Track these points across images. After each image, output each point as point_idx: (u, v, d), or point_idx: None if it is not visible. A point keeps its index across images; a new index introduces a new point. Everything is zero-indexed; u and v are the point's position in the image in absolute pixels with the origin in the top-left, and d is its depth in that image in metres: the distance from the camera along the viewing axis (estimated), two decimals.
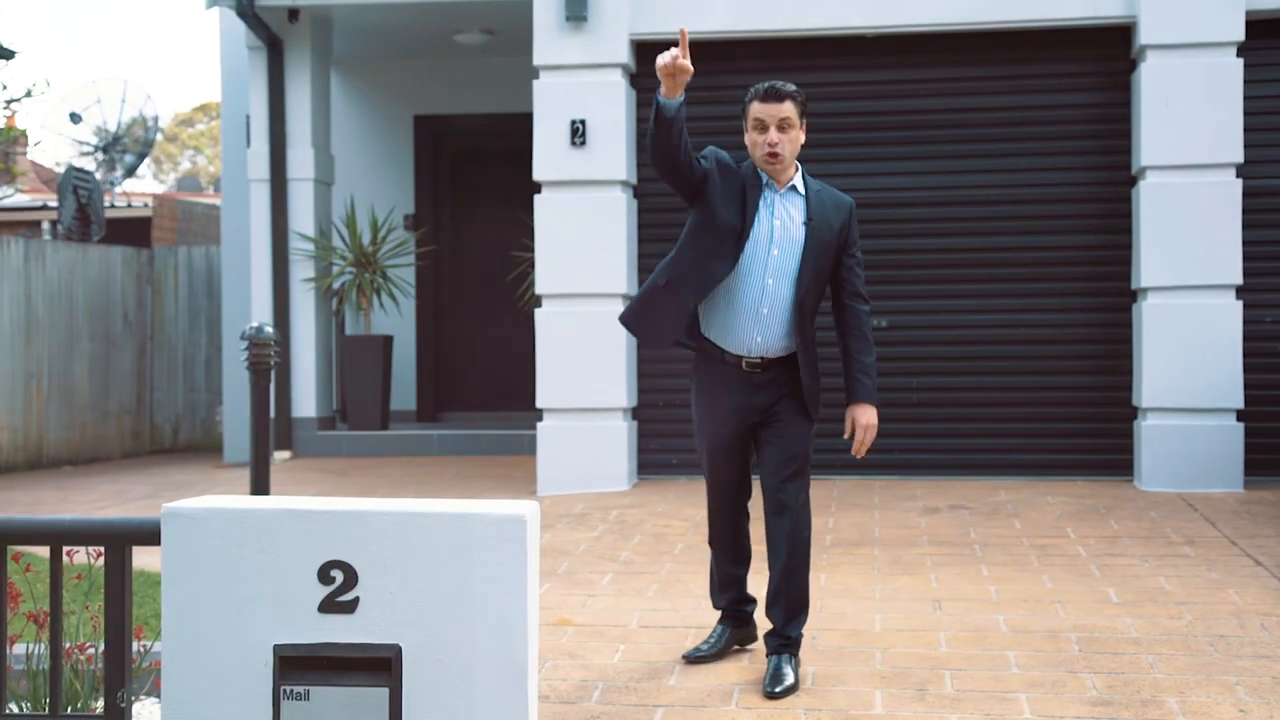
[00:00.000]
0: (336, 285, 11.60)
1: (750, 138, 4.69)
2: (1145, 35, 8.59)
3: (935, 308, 9.13)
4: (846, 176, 9.17)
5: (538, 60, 9.01)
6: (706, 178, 4.65)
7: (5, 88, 16.81)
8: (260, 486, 5.98)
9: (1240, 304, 8.54)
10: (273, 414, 11.09)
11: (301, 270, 11.23)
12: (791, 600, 4.77)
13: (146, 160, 39.04)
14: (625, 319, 4.85)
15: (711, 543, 5.04)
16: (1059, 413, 9.01)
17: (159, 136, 38.14)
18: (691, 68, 4.38)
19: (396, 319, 12.49)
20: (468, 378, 13.07)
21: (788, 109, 4.63)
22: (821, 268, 4.67)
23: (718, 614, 5.18)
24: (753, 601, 5.12)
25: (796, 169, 4.73)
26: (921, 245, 9.14)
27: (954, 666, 4.96)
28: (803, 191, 4.71)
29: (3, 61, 15.20)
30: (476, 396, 13.00)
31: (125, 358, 13.55)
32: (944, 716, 4.47)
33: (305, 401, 11.22)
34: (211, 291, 14.16)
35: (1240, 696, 4.60)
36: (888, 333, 9.05)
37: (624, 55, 8.94)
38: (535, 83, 9.05)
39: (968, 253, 9.12)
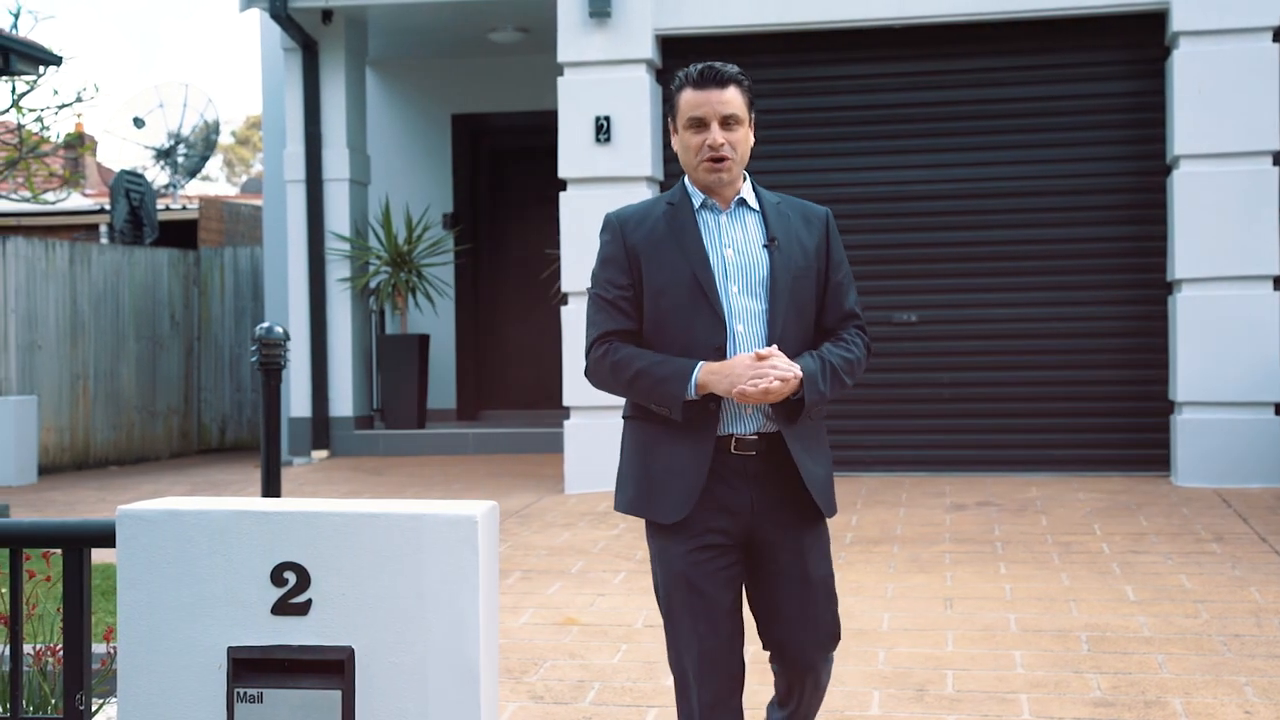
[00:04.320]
0: (373, 285, 11.64)
1: (682, 141, 3.41)
2: (1178, 22, 8.43)
3: (966, 301, 9.01)
4: (875, 170, 9.12)
5: (562, 57, 8.99)
6: (633, 286, 3.40)
7: (56, 93, 17.10)
8: (271, 487, 6.00)
9: (1278, 295, 8.35)
10: (310, 414, 11.17)
11: (338, 270, 11.28)
12: None
13: (218, 163, 39.58)
14: (625, 507, 3.46)
15: None
16: (1093, 407, 8.87)
17: (230, 139, 38.58)
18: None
19: (434, 318, 12.52)
20: (507, 376, 13.08)
21: (732, 98, 3.36)
22: (800, 299, 3.39)
23: None
24: None
25: (745, 179, 3.46)
26: (952, 239, 9.03)
27: (957, 666, 4.89)
28: (756, 206, 3.45)
29: (53, 68, 15.38)
30: (516, 395, 13.01)
31: (172, 358, 13.70)
32: (940, 717, 4.40)
33: (342, 401, 11.27)
34: (257, 292, 14.28)
35: (1248, 697, 4.49)
36: (917, 328, 8.96)
37: (648, 51, 8.90)
38: (559, 80, 9.03)
39: (999, 245, 9.00)
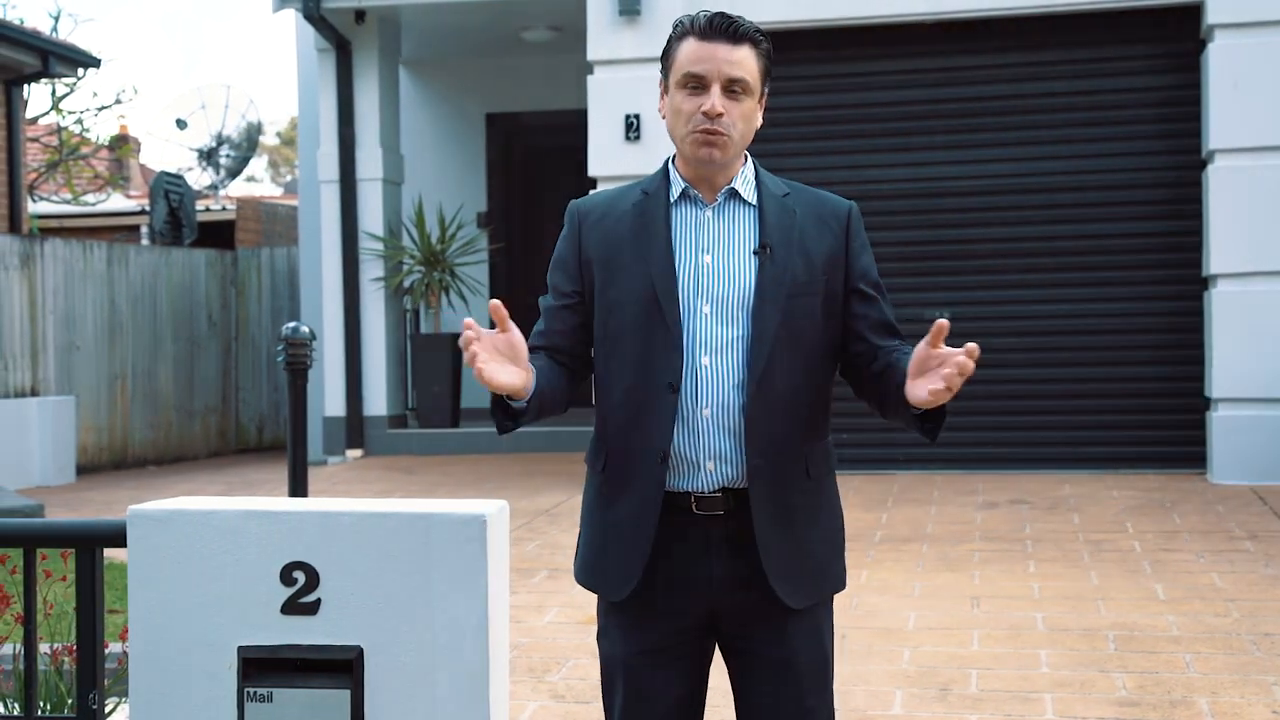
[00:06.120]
0: (406, 284, 11.68)
1: (674, 104, 2.65)
2: (1213, 14, 8.35)
3: (1000, 298, 8.95)
4: (907, 166, 9.07)
5: (591, 55, 8.99)
6: (580, 296, 2.74)
7: (96, 95, 17.28)
8: (298, 487, 6.03)
9: None
10: (344, 413, 11.21)
11: (371, 270, 11.32)
12: None
13: (263, 164, 39.87)
14: (577, 573, 2.85)
15: None
16: (1128, 404, 8.79)
17: (275, 139, 38.83)
18: (493, 349, 2.74)
19: (467, 317, 12.53)
20: None
21: (744, 60, 2.60)
22: (798, 324, 2.63)
23: None
24: None
25: (745, 161, 2.72)
26: (985, 235, 8.97)
27: (982, 666, 4.85)
28: (753, 200, 2.70)
29: (93, 70, 15.53)
30: None
31: (210, 358, 13.79)
32: (963, 717, 4.37)
33: (376, 400, 11.31)
34: (294, 292, 14.36)
35: (1276, 697, 4.44)
36: (950, 324, 8.89)
37: None
38: (589, 78, 9.04)
39: (1033, 241, 8.94)
